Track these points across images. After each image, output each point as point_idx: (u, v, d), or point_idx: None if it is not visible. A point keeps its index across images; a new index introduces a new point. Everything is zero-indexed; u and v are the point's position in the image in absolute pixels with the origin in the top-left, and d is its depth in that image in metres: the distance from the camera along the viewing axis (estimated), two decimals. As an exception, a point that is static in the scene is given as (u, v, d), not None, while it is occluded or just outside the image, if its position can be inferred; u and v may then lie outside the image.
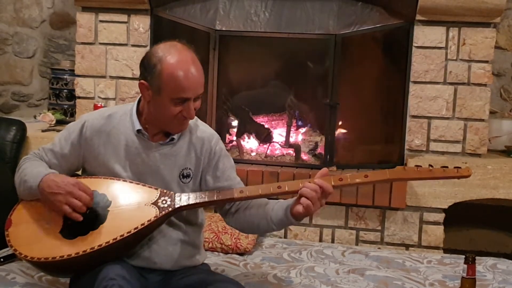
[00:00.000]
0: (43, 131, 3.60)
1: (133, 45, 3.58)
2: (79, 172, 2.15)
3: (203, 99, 3.51)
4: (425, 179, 1.99)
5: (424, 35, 3.27)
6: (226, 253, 2.66)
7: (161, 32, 3.60)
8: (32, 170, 1.99)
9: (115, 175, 2.01)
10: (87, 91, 3.65)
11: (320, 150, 3.46)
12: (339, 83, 3.35)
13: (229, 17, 3.45)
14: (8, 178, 2.68)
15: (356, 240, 3.27)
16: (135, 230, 1.87)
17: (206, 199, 1.96)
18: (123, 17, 3.56)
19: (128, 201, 1.95)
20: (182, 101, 1.92)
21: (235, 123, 3.65)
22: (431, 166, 1.94)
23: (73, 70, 3.73)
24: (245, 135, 3.61)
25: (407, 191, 3.14)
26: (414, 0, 3.19)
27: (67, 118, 3.85)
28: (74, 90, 3.72)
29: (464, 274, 2.01)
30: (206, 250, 2.41)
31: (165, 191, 1.97)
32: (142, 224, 1.89)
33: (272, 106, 3.65)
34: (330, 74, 3.34)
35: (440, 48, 3.27)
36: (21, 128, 3.39)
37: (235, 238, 2.64)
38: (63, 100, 3.90)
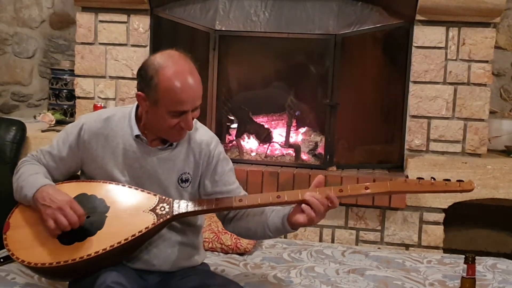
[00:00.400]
0: (43, 131, 3.60)
1: (133, 45, 3.58)
2: (78, 174, 2.15)
3: (202, 99, 3.53)
4: (426, 192, 1.97)
5: (424, 35, 3.27)
6: (226, 253, 2.65)
7: (161, 32, 3.60)
8: (29, 177, 1.97)
9: (113, 179, 2.00)
10: (87, 91, 3.64)
11: (320, 150, 3.46)
12: (339, 83, 3.35)
13: (229, 17, 3.45)
14: (7, 179, 2.67)
15: (356, 240, 3.27)
16: (133, 237, 1.87)
17: (205, 207, 1.95)
18: (123, 17, 3.56)
19: (126, 207, 1.94)
20: (180, 113, 1.90)
21: (235, 123, 3.65)
22: (433, 178, 1.91)
23: (72, 70, 3.73)
24: (245, 135, 3.61)
25: (407, 191, 3.14)
26: (414, 0, 3.19)
27: (67, 118, 3.85)
28: (74, 90, 3.72)
29: (464, 274, 2.01)
30: (206, 250, 2.41)
31: (164, 197, 1.96)
32: (139, 231, 1.88)
33: (272, 106, 3.65)
34: (330, 74, 3.34)
35: (440, 48, 3.27)
36: (21, 128, 3.39)
37: (235, 238, 2.64)
38: (63, 100, 3.90)
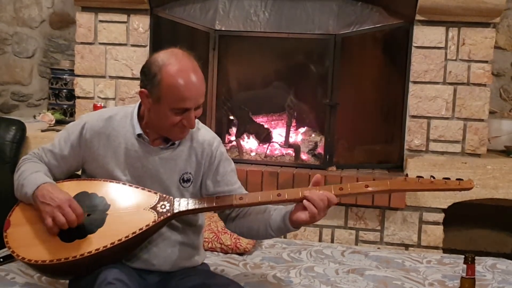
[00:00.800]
0: (42, 131, 3.60)
1: (132, 45, 3.58)
2: (79, 173, 2.15)
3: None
4: (426, 190, 1.97)
5: (423, 35, 3.27)
6: (226, 253, 2.65)
7: (160, 32, 3.60)
8: (30, 175, 1.97)
9: (114, 178, 2.00)
10: (87, 91, 3.64)
11: (320, 150, 3.47)
12: (339, 83, 3.35)
13: (229, 17, 3.45)
14: (7, 178, 2.68)
15: (356, 240, 3.27)
16: (133, 235, 1.87)
17: (205, 205, 1.96)
18: (123, 17, 3.56)
19: (127, 205, 1.94)
20: (182, 111, 1.90)
21: (234, 123, 3.65)
22: (433, 177, 1.92)
23: (72, 70, 3.73)
24: (244, 135, 3.61)
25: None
26: (413, 0, 3.19)
27: (67, 118, 3.85)
28: (73, 90, 3.72)
29: (464, 274, 2.01)
30: (205, 250, 2.41)
31: (164, 195, 1.96)
32: (140, 229, 1.88)
33: (271, 106, 3.65)
34: (330, 74, 3.34)
35: (439, 48, 3.27)
36: (21, 128, 3.39)
37: (234, 238, 2.64)
38: (62, 100, 3.90)
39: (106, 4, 3.54)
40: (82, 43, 3.63)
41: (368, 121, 3.51)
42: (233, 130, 3.64)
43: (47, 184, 1.93)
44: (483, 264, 2.57)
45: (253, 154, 3.55)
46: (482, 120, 3.28)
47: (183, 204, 1.95)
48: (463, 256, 2.03)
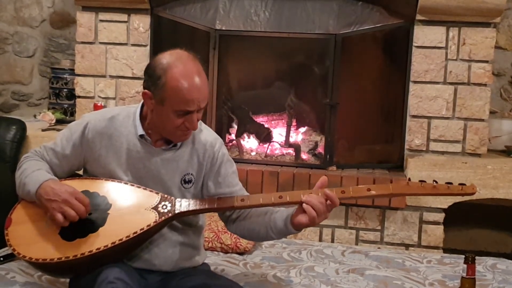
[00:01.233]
0: (43, 130, 3.60)
1: (133, 45, 3.58)
2: (81, 172, 2.15)
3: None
4: (428, 195, 1.97)
5: (424, 35, 3.27)
6: (226, 252, 2.65)
7: (161, 31, 3.60)
8: (32, 173, 1.97)
9: (115, 178, 2.00)
10: (87, 90, 3.65)
11: (320, 149, 3.47)
12: (339, 83, 3.35)
13: (229, 17, 3.45)
14: (8, 178, 2.68)
15: (356, 240, 3.27)
16: (134, 235, 1.87)
17: (207, 206, 1.96)
18: (123, 17, 3.56)
19: (128, 204, 1.94)
20: (185, 113, 1.90)
21: (235, 122, 3.65)
22: (436, 181, 1.92)
23: (73, 70, 3.73)
24: (245, 135, 3.61)
25: (407, 191, 3.14)
26: (414, 0, 3.19)
27: (67, 117, 3.85)
28: (74, 89, 3.72)
29: (464, 274, 2.01)
30: (206, 249, 2.41)
31: (165, 196, 1.97)
32: (141, 229, 1.88)
33: (272, 106, 3.65)
34: (330, 74, 3.34)
35: (440, 48, 3.27)
36: (21, 127, 3.39)
37: (235, 238, 2.64)
38: (63, 99, 3.90)
39: (107, 3, 3.54)
40: (82, 42, 3.63)
41: (369, 121, 3.51)
42: (234, 129, 3.64)
43: (49, 181, 1.93)
44: (483, 264, 2.57)
45: (253, 153, 3.55)
46: (482, 120, 3.28)
47: (184, 204, 1.95)
48: (463, 256, 2.03)
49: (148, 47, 3.56)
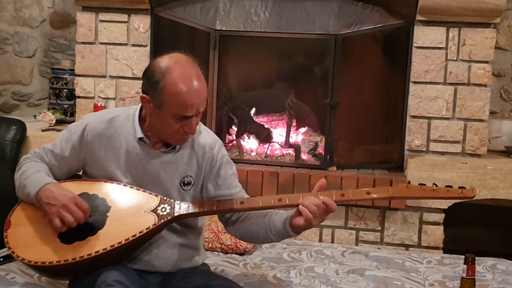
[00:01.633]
0: (43, 130, 3.60)
1: (133, 45, 3.58)
2: (80, 173, 2.15)
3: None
4: (428, 198, 1.97)
5: (424, 35, 3.27)
6: (226, 253, 2.65)
7: (161, 32, 3.60)
8: (32, 175, 1.97)
9: (115, 180, 2.00)
10: (87, 90, 3.65)
11: (320, 150, 3.47)
12: (339, 83, 3.35)
13: (229, 17, 3.45)
14: (8, 178, 2.67)
15: (356, 240, 3.27)
16: (133, 238, 1.87)
17: (206, 209, 1.96)
18: (123, 17, 3.56)
19: (127, 206, 1.94)
20: (184, 118, 1.90)
21: (235, 123, 3.65)
22: (435, 184, 1.92)
23: (73, 70, 3.73)
24: (245, 135, 3.61)
25: (407, 191, 3.14)
26: (414, 0, 3.19)
27: (67, 117, 3.85)
28: (74, 89, 3.72)
29: (464, 275, 2.01)
30: (206, 250, 2.41)
31: (165, 198, 1.96)
32: (140, 232, 1.88)
33: (272, 106, 3.65)
34: (330, 74, 3.34)
35: (440, 48, 3.27)
36: (21, 127, 3.39)
37: (234, 238, 2.63)
38: (63, 99, 3.90)
39: (107, 4, 3.54)
40: (82, 42, 3.63)
41: (369, 121, 3.50)
42: (234, 130, 3.64)
43: (49, 185, 1.93)
44: (483, 265, 2.57)
45: (253, 154, 3.55)
46: (482, 121, 3.28)
47: (183, 207, 1.95)
48: (463, 257, 2.03)
49: (148, 48, 3.56)
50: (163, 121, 1.92)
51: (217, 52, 3.45)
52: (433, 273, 2.50)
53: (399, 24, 3.33)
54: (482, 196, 3.13)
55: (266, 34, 3.44)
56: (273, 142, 3.57)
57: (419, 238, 3.22)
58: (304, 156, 3.50)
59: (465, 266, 2.00)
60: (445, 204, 3.16)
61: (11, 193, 2.06)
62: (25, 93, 4.35)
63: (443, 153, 3.31)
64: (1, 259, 2.33)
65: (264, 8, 3.43)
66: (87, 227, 1.90)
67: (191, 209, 1.94)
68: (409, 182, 1.96)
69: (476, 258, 2.05)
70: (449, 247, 3.27)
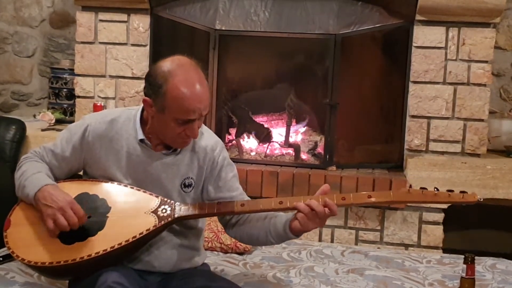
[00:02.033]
0: (42, 130, 3.60)
1: (133, 45, 3.58)
2: (81, 173, 2.15)
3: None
4: (429, 202, 1.97)
5: (423, 35, 3.27)
6: (226, 252, 2.65)
7: (161, 31, 3.60)
8: (32, 175, 1.97)
9: (115, 181, 2.00)
10: (87, 90, 3.64)
11: (320, 149, 3.47)
12: (339, 83, 3.35)
13: (229, 17, 3.45)
14: (7, 178, 2.67)
15: (356, 240, 3.27)
16: (133, 239, 1.87)
17: (206, 211, 1.96)
18: (123, 17, 3.56)
19: (127, 208, 1.94)
20: (186, 122, 1.89)
21: (234, 122, 3.65)
22: (437, 189, 1.91)
23: (72, 69, 3.73)
24: (244, 135, 3.61)
25: (406, 191, 3.14)
26: (414, 0, 3.19)
27: (67, 117, 3.85)
28: (73, 89, 3.71)
29: (464, 274, 2.01)
30: (205, 249, 2.41)
31: (165, 199, 1.96)
32: (140, 233, 1.88)
33: (272, 106, 3.65)
34: (330, 74, 3.34)
35: (439, 48, 3.27)
36: (21, 127, 3.39)
37: (234, 238, 2.64)
38: (62, 99, 3.89)
39: (106, 3, 3.54)
40: (82, 42, 3.63)
41: (368, 121, 3.51)
42: (233, 129, 3.64)
43: (48, 186, 1.93)
44: (483, 264, 2.57)
45: (253, 153, 3.55)
46: (482, 120, 3.28)
47: (184, 208, 1.94)
48: (463, 256, 2.03)
49: (148, 47, 3.56)
50: (165, 124, 1.91)
51: (217, 52, 3.45)
52: (433, 273, 2.50)
53: (399, 24, 3.33)
54: (482, 196, 3.10)
55: (265, 34, 3.44)
56: (272, 141, 3.57)
57: (419, 237, 3.22)
58: (303, 156, 3.50)
59: (464, 265, 2.01)
60: (445, 204, 3.16)
61: (11, 192, 2.06)
62: (24, 93, 4.35)
63: (442, 153, 3.31)
64: (1, 259, 2.33)
65: (263, 8, 3.43)
66: (87, 228, 1.89)
67: (192, 211, 1.94)
68: (410, 186, 1.96)
69: (476, 257, 2.05)
70: (448, 247, 3.28)
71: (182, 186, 2.02)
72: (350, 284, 2.31)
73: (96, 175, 2.03)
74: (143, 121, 2.01)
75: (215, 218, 2.76)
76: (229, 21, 3.45)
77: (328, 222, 3.24)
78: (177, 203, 1.96)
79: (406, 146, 3.34)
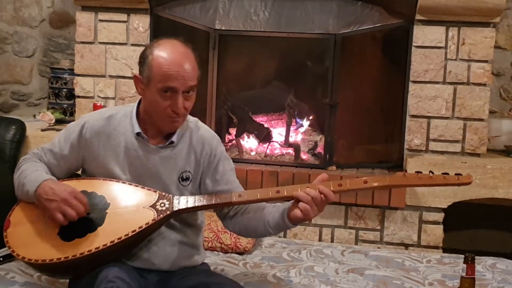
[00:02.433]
0: (42, 130, 3.60)
1: (132, 45, 3.58)
2: (79, 172, 2.15)
3: (203, 98, 3.51)
4: (425, 185, 1.97)
5: (423, 35, 3.27)
6: (226, 252, 2.66)
7: (160, 31, 3.59)
8: (31, 173, 1.98)
9: (114, 177, 2.01)
10: (87, 90, 3.64)
11: (320, 149, 3.47)
12: (339, 83, 3.35)
13: (229, 17, 3.45)
14: (7, 178, 2.67)
15: (356, 240, 3.27)
16: (133, 233, 1.87)
17: (205, 203, 1.96)
18: (123, 17, 3.56)
19: (126, 203, 1.95)
20: (168, 90, 1.90)
21: (234, 122, 3.65)
22: (432, 172, 1.92)
23: (72, 69, 3.73)
24: (244, 135, 3.61)
25: (406, 191, 3.15)
26: (413, 0, 3.19)
27: (67, 117, 3.85)
28: (73, 89, 3.71)
29: (464, 274, 2.01)
30: (205, 249, 2.41)
31: (163, 193, 1.97)
32: (139, 227, 1.88)
33: (271, 106, 3.65)
34: (330, 73, 3.34)
35: (439, 47, 3.27)
36: (21, 127, 3.39)
37: (234, 238, 2.64)
38: (62, 99, 3.89)
39: (106, 3, 3.54)
40: (82, 42, 3.63)
41: (368, 121, 3.51)
42: (233, 129, 3.64)
43: (48, 181, 1.94)
44: (483, 264, 2.58)
45: (253, 153, 3.55)
46: (482, 120, 3.28)
47: (182, 202, 1.95)
48: (463, 256, 2.03)
49: (148, 47, 3.56)
50: (152, 99, 1.93)
51: (217, 51, 3.45)
52: (433, 272, 2.50)
53: (399, 24, 3.33)
54: (482, 195, 3.14)
55: (265, 34, 3.44)
56: (272, 141, 3.57)
57: (419, 237, 3.22)
58: (303, 156, 3.50)
59: (464, 265, 2.01)
60: (445, 203, 3.16)
61: (11, 192, 2.06)
62: (24, 93, 4.35)
63: (442, 153, 3.31)
64: (1, 259, 2.33)
65: (263, 7, 3.43)
66: (87, 224, 1.90)
67: (190, 204, 1.95)
68: (405, 171, 1.96)
69: (476, 257, 2.05)
70: (448, 246, 3.28)
71: (180, 179, 2.02)
72: (350, 284, 2.31)
73: (95, 172, 2.04)
74: (139, 116, 2.03)
75: (215, 218, 2.77)
76: (229, 21, 3.45)
77: (328, 222, 3.28)
78: (175, 196, 1.97)
79: (406, 146, 3.34)
